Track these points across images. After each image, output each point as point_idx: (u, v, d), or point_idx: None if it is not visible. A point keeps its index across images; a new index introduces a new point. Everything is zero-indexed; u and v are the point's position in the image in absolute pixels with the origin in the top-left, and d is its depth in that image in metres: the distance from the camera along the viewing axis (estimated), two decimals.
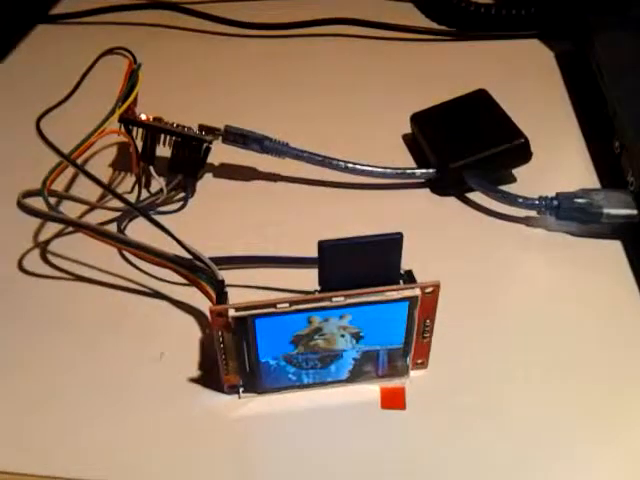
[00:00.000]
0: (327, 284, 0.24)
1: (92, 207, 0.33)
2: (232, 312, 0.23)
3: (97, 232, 0.28)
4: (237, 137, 0.34)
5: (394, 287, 0.24)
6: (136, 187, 0.34)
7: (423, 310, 0.25)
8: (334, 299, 0.24)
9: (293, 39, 0.46)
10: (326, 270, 0.24)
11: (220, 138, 0.34)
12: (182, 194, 0.34)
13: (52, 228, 0.32)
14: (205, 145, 0.34)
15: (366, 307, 0.24)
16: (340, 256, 0.24)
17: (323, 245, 0.23)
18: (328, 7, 0.48)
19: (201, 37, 0.46)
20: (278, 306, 0.23)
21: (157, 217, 0.32)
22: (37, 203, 0.29)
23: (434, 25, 0.48)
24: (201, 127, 0.34)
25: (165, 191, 0.33)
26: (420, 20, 0.48)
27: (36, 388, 0.27)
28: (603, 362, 0.27)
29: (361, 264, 0.24)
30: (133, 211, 0.32)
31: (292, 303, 0.24)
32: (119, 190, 0.34)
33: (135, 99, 0.33)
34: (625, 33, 0.41)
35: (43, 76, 0.44)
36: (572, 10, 0.44)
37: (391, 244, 0.24)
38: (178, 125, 0.33)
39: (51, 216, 0.30)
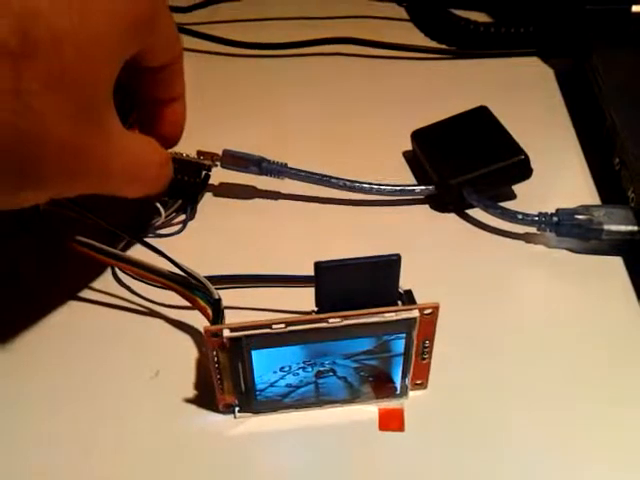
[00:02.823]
0: (324, 305, 0.24)
1: (88, 226, 0.33)
2: (227, 332, 0.23)
3: (93, 249, 0.28)
4: (235, 160, 0.34)
5: (392, 308, 0.24)
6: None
7: (422, 331, 0.25)
8: (331, 320, 0.24)
9: (292, 59, 0.46)
10: (323, 291, 0.24)
11: (219, 163, 0.34)
12: (182, 216, 0.34)
13: (47, 245, 0.32)
14: (204, 173, 0.34)
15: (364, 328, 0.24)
16: (337, 277, 0.24)
17: (320, 266, 0.23)
18: (328, 27, 0.48)
19: (199, 57, 0.46)
20: (274, 327, 0.23)
21: (156, 240, 0.32)
22: (32, 219, 0.29)
23: (434, 44, 0.48)
24: (199, 153, 0.34)
25: (163, 215, 0.33)
26: (420, 39, 0.48)
27: (28, 405, 0.26)
28: (605, 380, 0.27)
29: (358, 285, 0.24)
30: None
31: (288, 324, 0.23)
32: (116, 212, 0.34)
33: None
34: (625, 50, 0.41)
35: None
36: (572, 28, 0.44)
37: (389, 265, 0.24)
38: (176, 152, 0.33)
39: (46, 233, 0.30)
